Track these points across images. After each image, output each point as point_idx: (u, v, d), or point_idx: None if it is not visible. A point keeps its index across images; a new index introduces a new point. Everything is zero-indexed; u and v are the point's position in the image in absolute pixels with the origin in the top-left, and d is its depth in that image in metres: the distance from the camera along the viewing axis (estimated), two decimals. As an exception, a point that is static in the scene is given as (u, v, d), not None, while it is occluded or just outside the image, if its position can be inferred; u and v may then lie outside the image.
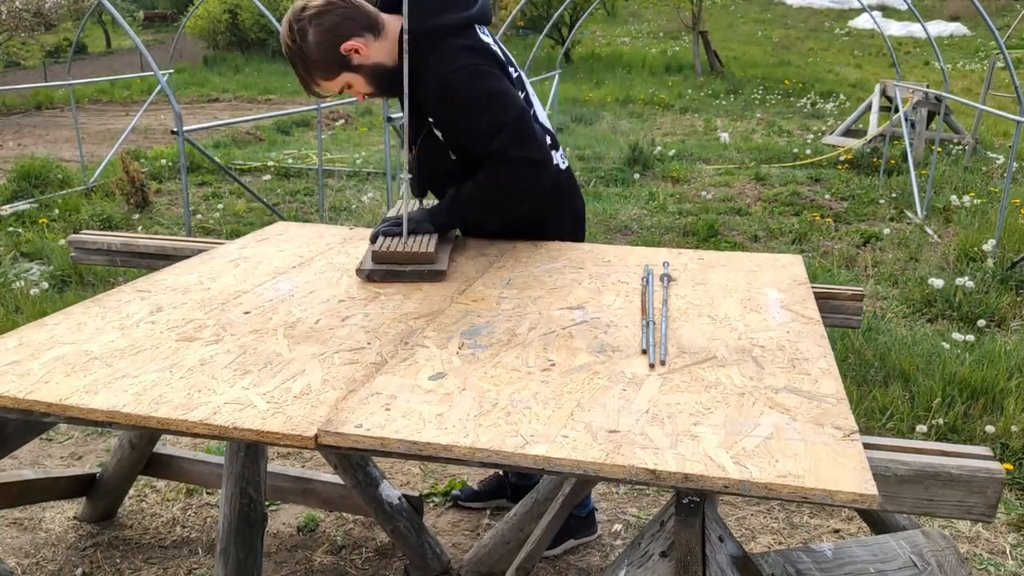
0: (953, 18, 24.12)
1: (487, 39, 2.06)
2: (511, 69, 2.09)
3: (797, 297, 1.78)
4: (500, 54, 2.07)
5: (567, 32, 16.84)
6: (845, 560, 1.48)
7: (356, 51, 1.94)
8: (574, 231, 2.30)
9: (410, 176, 2.16)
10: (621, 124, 11.50)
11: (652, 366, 1.40)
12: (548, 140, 2.13)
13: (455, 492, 2.68)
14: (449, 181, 2.11)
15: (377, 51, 1.97)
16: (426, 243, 1.96)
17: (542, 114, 2.21)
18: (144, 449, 2.48)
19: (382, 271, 1.87)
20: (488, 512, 2.65)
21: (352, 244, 2.18)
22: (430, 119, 2.06)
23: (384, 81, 2.01)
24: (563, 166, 2.22)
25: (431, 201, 2.24)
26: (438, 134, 2.07)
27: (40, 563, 2.39)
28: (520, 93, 2.08)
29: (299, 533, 2.54)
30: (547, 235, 2.23)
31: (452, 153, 2.07)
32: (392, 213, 2.25)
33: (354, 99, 2.54)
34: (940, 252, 5.42)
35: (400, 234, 2.00)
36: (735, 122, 12.10)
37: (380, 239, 1.98)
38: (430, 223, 2.06)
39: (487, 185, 2.02)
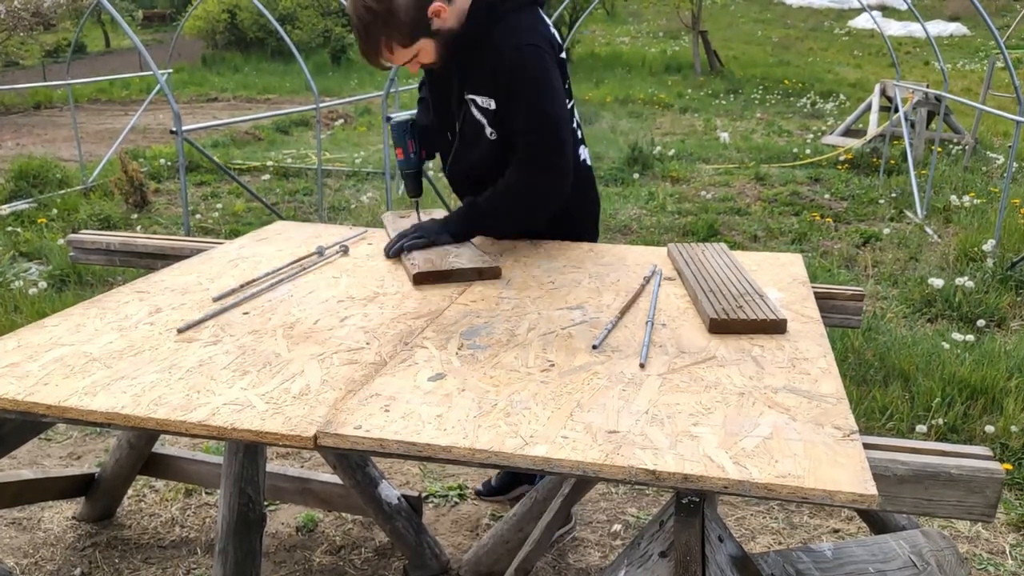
0: (953, 18, 24.12)
1: (547, 21, 2.07)
2: (562, 55, 2.08)
3: (797, 297, 1.78)
4: (556, 38, 2.07)
5: (567, 31, 16.82)
6: (845, 560, 1.48)
7: (438, 14, 1.89)
8: (592, 226, 2.32)
9: (411, 171, 2.17)
10: (621, 124, 11.49)
11: (642, 365, 1.40)
12: (579, 134, 2.17)
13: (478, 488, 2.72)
14: (481, 169, 2.08)
15: (452, 15, 1.93)
16: (469, 254, 1.95)
17: (570, 104, 2.19)
18: (143, 449, 2.48)
19: (435, 274, 1.85)
20: (488, 512, 2.64)
21: (352, 244, 2.18)
22: (473, 96, 2.01)
23: (449, 48, 1.96)
24: (588, 161, 2.25)
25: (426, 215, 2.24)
26: (477, 115, 2.02)
27: (39, 563, 2.39)
28: (564, 83, 2.08)
29: (298, 533, 2.54)
30: (565, 229, 2.22)
31: (491, 135, 2.03)
32: (390, 220, 2.24)
33: (352, 99, 2.55)
34: (940, 252, 5.42)
35: (424, 245, 2.01)
36: (735, 122, 12.09)
37: (413, 255, 1.96)
38: (447, 234, 2.05)
39: (509, 191, 2.01)
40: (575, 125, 2.18)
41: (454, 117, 2.10)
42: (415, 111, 2.24)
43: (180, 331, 1.54)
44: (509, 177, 2.01)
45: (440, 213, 2.23)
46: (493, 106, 1.99)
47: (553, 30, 2.08)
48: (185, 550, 2.45)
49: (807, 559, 1.46)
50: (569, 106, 2.11)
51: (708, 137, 10.55)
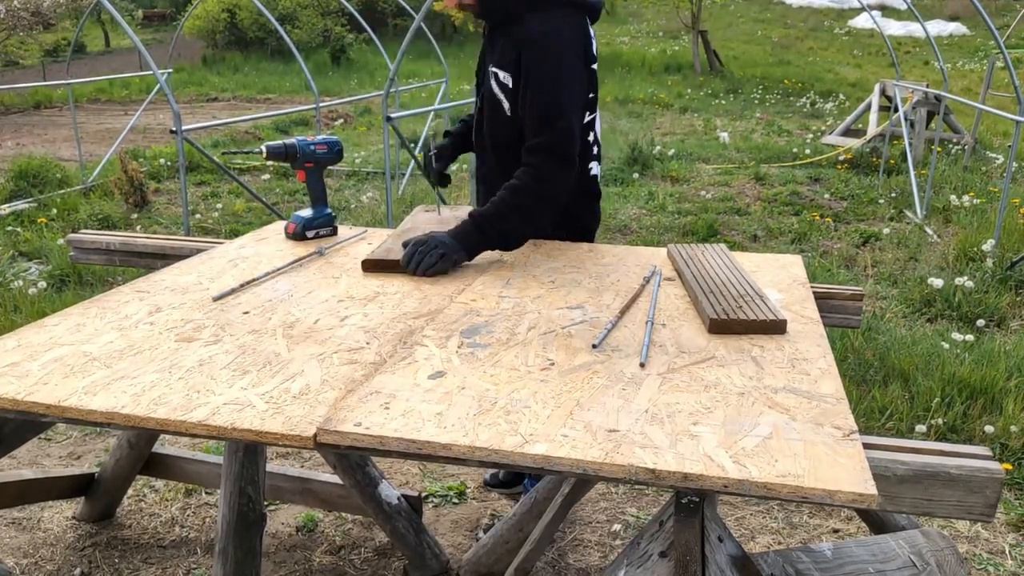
0: (953, 18, 24.13)
1: (589, 32, 2.09)
2: (593, 66, 2.11)
3: (797, 298, 1.78)
4: (592, 48, 2.10)
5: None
6: (844, 560, 1.48)
7: None
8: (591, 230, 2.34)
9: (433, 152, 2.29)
10: (620, 124, 11.49)
11: (642, 365, 1.40)
12: (595, 149, 2.20)
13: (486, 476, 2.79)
14: (498, 142, 2.13)
15: None
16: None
17: (598, 122, 2.23)
18: (143, 449, 2.48)
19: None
20: (488, 512, 2.65)
21: (351, 243, 2.18)
22: (496, 70, 2.07)
23: (489, 8, 2.07)
24: (596, 174, 2.26)
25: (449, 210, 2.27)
26: (496, 89, 2.06)
27: (39, 563, 2.39)
28: (591, 94, 2.12)
29: (298, 533, 2.54)
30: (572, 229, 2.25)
31: (508, 110, 2.06)
32: (417, 214, 2.26)
33: (352, 99, 2.61)
34: (939, 252, 5.42)
35: (441, 270, 1.90)
36: (734, 122, 12.09)
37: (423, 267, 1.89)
38: (462, 249, 1.93)
39: (515, 187, 1.97)
40: (591, 139, 2.17)
41: (480, 92, 2.18)
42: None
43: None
44: (517, 174, 2.00)
45: (465, 209, 2.19)
46: (511, 83, 2.02)
47: (594, 42, 2.11)
48: (185, 550, 2.45)
49: (807, 559, 1.47)
50: (590, 118, 2.12)
51: (708, 137, 10.55)
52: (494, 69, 2.07)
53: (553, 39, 1.96)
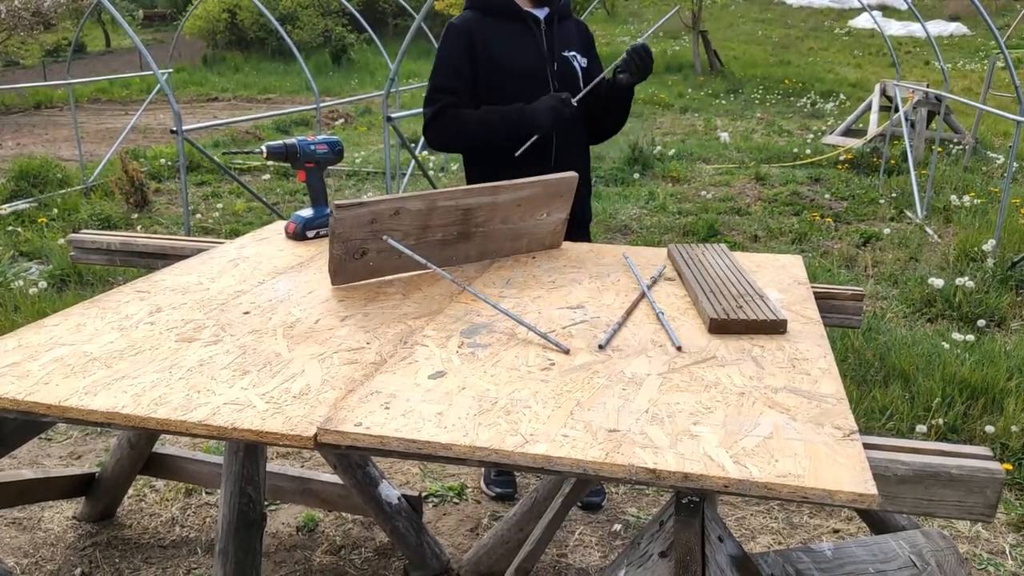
0: (953, 18, 24.14)
1: None
2: None
3: (797, 298, 1.78)
4: None
5: (567, 32, 16.77)
6: (845, 560, 1.48)
7: None
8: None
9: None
10: (621, 124, 11.48)
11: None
12: None
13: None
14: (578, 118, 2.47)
15: None
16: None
17: None
18: (143, 449, 2.48)
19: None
20: (489, 512, 2.65)
21: (351, 244, 2.17)
22: (574, 53, 2.46)
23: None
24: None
25: None
26: (578, 70, 2.46)
27: (39, 563, 2.39)
28: None
29: (298, 533, 2.54)
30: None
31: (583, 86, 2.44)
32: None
33: (352, 99, 2.74)
34: (940, 252, 5.42)
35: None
36: (735, 122, 12.09)
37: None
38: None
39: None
40: None
41: (547, 74, 2.40)
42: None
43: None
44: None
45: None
46: (586, 64, 2.47)
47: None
48: (185, 550, 2.46)
49: (807, 559, 1.47)
50: None
51: (708, 137, 10.55)
52: (572, 53, 2.45)
53: None
